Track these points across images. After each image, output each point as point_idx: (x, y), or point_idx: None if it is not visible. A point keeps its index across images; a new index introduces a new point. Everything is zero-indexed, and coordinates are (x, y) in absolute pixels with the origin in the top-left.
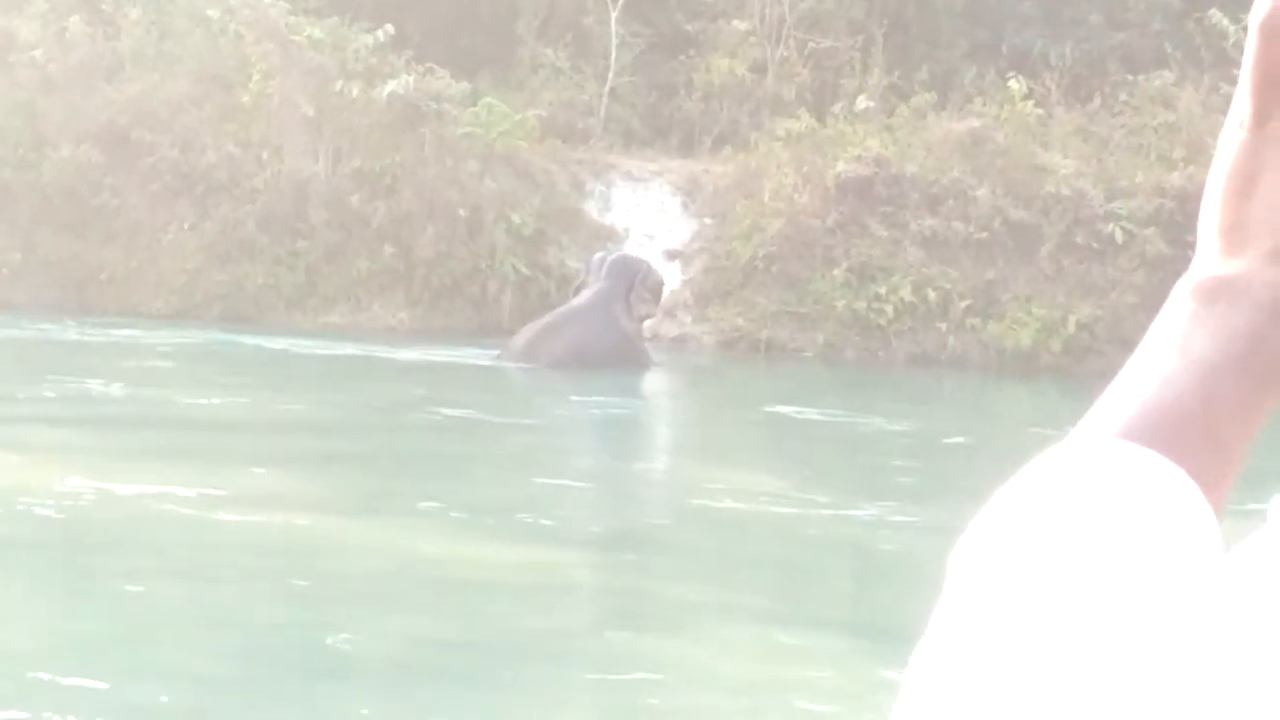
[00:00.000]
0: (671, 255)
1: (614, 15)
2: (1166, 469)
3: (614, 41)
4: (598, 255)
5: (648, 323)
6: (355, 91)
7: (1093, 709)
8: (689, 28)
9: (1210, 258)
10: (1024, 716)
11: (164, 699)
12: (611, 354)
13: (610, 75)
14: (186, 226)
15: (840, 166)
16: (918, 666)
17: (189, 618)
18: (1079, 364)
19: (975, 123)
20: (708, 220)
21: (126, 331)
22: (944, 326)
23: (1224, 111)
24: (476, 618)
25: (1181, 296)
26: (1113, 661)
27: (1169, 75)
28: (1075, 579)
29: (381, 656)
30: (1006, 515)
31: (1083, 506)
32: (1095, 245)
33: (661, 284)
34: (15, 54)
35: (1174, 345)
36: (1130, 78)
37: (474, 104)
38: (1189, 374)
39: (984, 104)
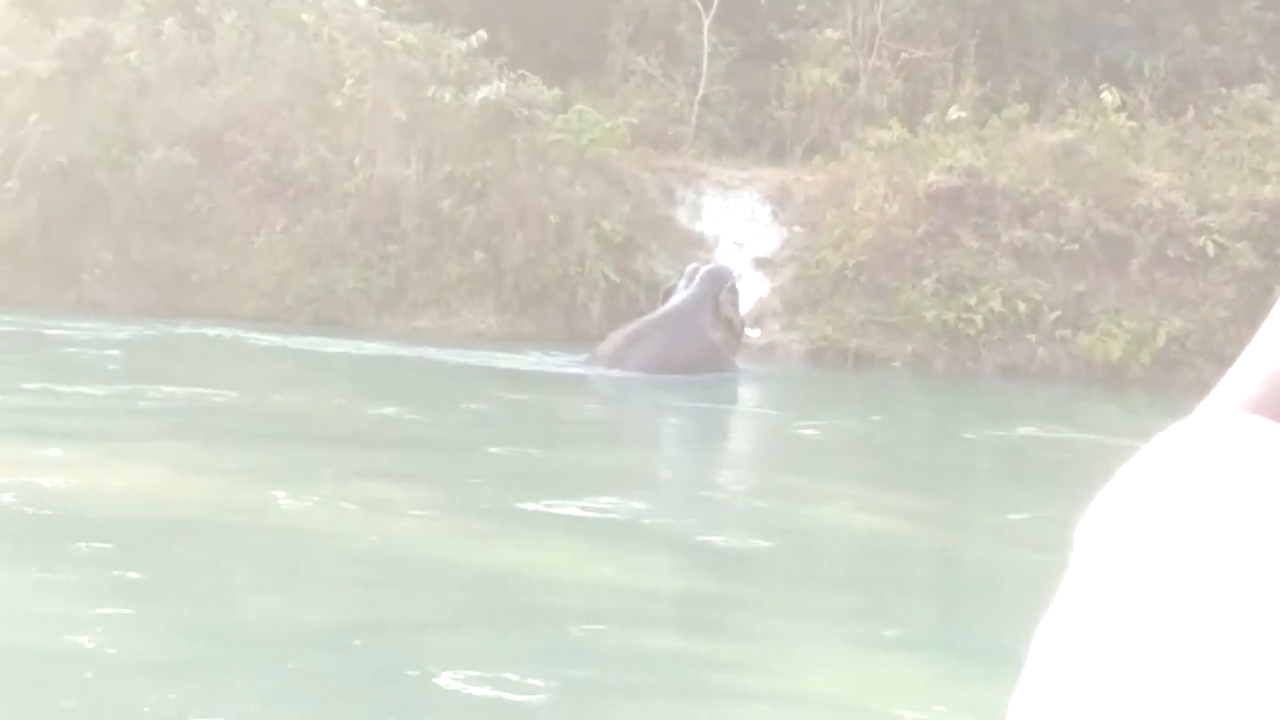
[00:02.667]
0: (760, 264)
1: (706, 23)
2: None
3: (706, 49)
4: (691, 265)
5: (748, 330)
6: (447, 97)
7: (1220, 685)
8: (781, 37)
9: None
10: (1151, 694)
11: (240, 704)
12: (697, 361)
13: (702, 83)
14: (278, 230)
15: (931, 177)
16: (1043, 642)
17: (267, 622)
18: (1169, 377)
19: (1067, 134)
20: (797, 229)
21: (217, 333)
22: (1034, 338)
23: None
24: (556, 626)
25: None
26: (1242, 638)
27: (1263, 89)
28: (1200, 554)
29: (463, 664)
30: (1132, 490)
31: (1208, 481)
32: (1187, 258)
33: (738, 295)
34: (110, 56)
35: None
36: (1224, 91)
37: (565, 110)
38: None
39: (1076, 116)
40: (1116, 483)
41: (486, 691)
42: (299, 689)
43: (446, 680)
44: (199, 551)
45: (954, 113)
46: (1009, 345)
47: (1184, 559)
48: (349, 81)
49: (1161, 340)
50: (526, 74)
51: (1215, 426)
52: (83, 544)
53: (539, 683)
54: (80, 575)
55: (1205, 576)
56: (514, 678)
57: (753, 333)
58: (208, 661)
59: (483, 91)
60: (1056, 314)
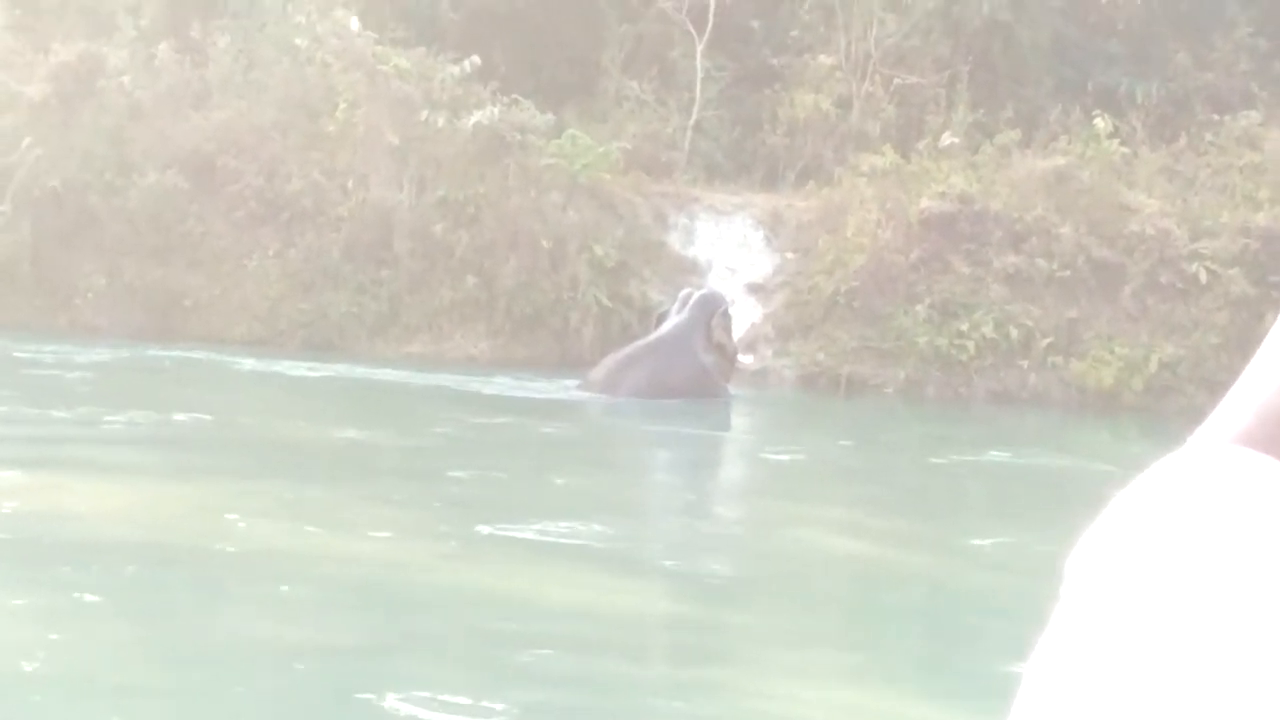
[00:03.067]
0: (753, 289)
1: (699, 49)
2: None
3: (699, 75)
4: (684, 290)
5: (740, 356)
6: (440, 121)
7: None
8: (774, 62)
9: None
10: None
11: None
12: (689, 387)
13: (695, 109)
14: (271, 254)
15: (924, 203)
16: (1033, 674)
17: (257, 644)
18: (1161, 403)
19: (1060, 161)
20: (790, 255)
21: (209, 357)
22: (1026, 364)
23: None
24: (546, 651)
25: None
26: (1232, 670)
27: (1255, 115)
28: (1191, 585)
29: (447, 685)
30: (1123, 522)
31: (1199, 514)
32: (1179, 285)
33: (731, 320)
34: (104, 80)
35: None
36: (1216, 118)
37: (558, 135)
38: None
39: (1069, 142)
40: (1108, 514)
41: (461, 708)
42: (253, 711)
43: (423, 695)
44: (165, 574)
45: (947, 139)
46: (1001, 371)
47: (1174, 592)
48: (342, 106)
49: (1154, 367)
50: (519, 99)
51: (1206, 460)
52: (47, 567)
53: (517, 709)
54: (41, 598)
55: (1195, 610)
56: (490, 704)
57: (746, 359)
58: (159, 684)
59: (476, 116)
60: (1049, 340)
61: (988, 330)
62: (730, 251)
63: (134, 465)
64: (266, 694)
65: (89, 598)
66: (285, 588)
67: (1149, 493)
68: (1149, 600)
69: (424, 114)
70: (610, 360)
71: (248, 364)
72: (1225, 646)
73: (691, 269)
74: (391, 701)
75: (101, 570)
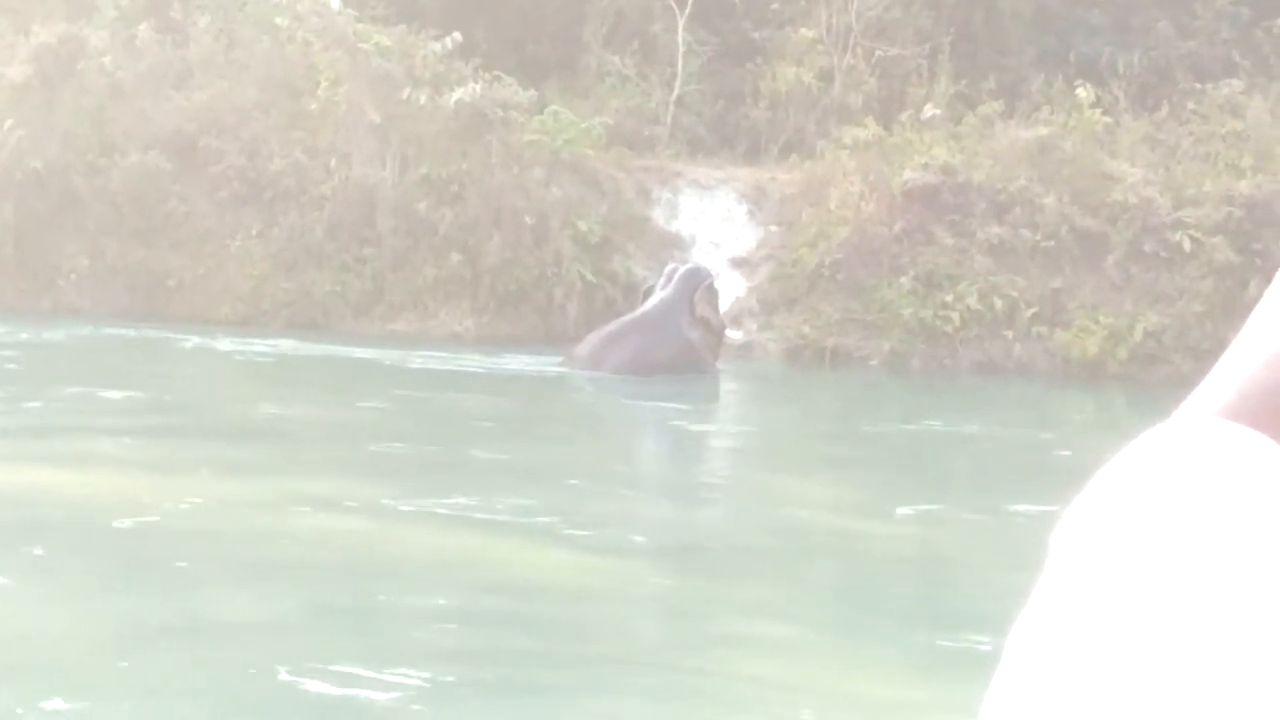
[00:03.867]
0: (737, 263)
1: (681, 23)
2: (1269, 448)
3: (681, 49)
4: (670, 266)
5: (728, 331)
6: (422, 99)
7: (1194, 691)
8: (756, 36)
9: None
10: (1123, 701)
11: (216, 701)
12: (674, 362)
13: (677, 83)
14: (254, 233)
15: (907, 174)
16: (1015, 646)
17: (244, 622)
18: (1146, 372)
19: (1042, 131)
20: (774, 228)
21: (193, 338)
22: (1010, 335)
23: None
24: (535, 627)
25: None
26: (1217, 645)
27: (1237, 84)
28: (1174, 561)
29: (436, 666)
30: (1108, 495)
31: (1183, 488)
32: (1163, 254)
33: (717, 295)
34: (85, 61)
35: None
36: (1198, 86)
37: (540, 111)
38: None
39: (1051, 112)
40: (1091, 489)
41: (450, 689)
42: (154, 687)
43: (411, 677)
44: (142, 551)
45: (929, 110)
46: (986, 342)
47: (1158, 566)
48: (323, 84)
49: (1138, 336)
50: (501, 75)
51: (1190, 433)
52: (22, 547)
53: (511, 679)
54: (13, 578)
55: (1179, 584)
56: (486, 676)
57: (734, 335)
58: (115, 663)
59: (458, 93)
60: (1033, 310)
61: (972, 301)
62: (714, 226)
63: (116, 446)
64: (235, 671)
65: (64, 577)
66: (261, 568)
67: (1132, 467)
68: (1132, 576)
69: (406, 92)
70: (595, 336)
71: (231, 344)
72: (1209, 624)
73: (675, 244)
74: (367, 675)
75: (79, 549)
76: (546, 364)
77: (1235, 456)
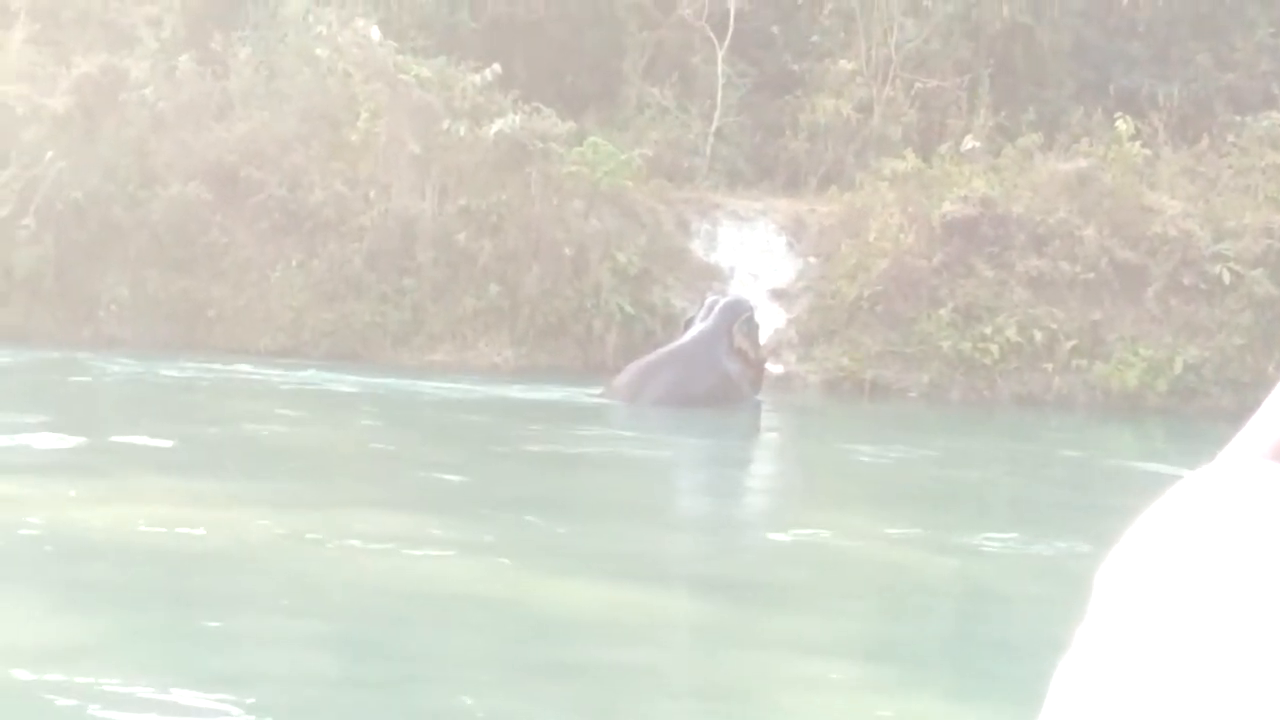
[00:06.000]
0: (776, 295)
1: (720, 55)
2: None
3: (720, 81)
4: (711, 298)
5: (769, 365)
6: (462, 130)
7: None
8: (795, 68)
9: None
10: None
11: None
12: (713, 393)
13: (716, 115)
14: (294, 264)
15: (946, 206)
16: (1060, 687)
17: (282, 653)
18: (1185, 405)
19: (1082, 163)
20: (813, 260)
21: (234, 368)
22: (1050, 367)
23: None
24: (572, 656)
25: None
26: (1260, 685)
27: (1277, 116)
28: (1218, 604)
29: (473, 692)
30: (1154, 535)
31: (1228, 530)
32: (1202, 286)
33: (757, 327)
34: (126, 92)
35: None
36: (1238, 118)
37: (580, 143)
38: None
39: (1091, 144)
40: (1137, 529)
41: (488, 715)
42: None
43: (447, 704)
44: (186, 585)
45: (968, 142)
46: (1025, 374)
47: (1201, 611)
48: (364, 115)
49: (1178, 368)
50: (541, 107)
51: (1236, 475)
52: (70, 579)
53: (549, 707)
54: (60, 610)
55: (1222, 628)
56: (522, 703)
57: (775, 369)
58: (172, 697)
59: (497, 125)
60: (1073, 343)
61: (1011, 333)
62: (753, 257)
63: (158, 479)
64: (270, 702)
65: (108, 610)
66: (308, 598)
67: (1178, 508)
68: (1176, 618)
69: (445, 123)
70: (633, 367)
71: (272, 374)
72: (1250, 667)
73: (714, 275)
74: (400, 709)
75: (122, 583)
76: (585, 395)
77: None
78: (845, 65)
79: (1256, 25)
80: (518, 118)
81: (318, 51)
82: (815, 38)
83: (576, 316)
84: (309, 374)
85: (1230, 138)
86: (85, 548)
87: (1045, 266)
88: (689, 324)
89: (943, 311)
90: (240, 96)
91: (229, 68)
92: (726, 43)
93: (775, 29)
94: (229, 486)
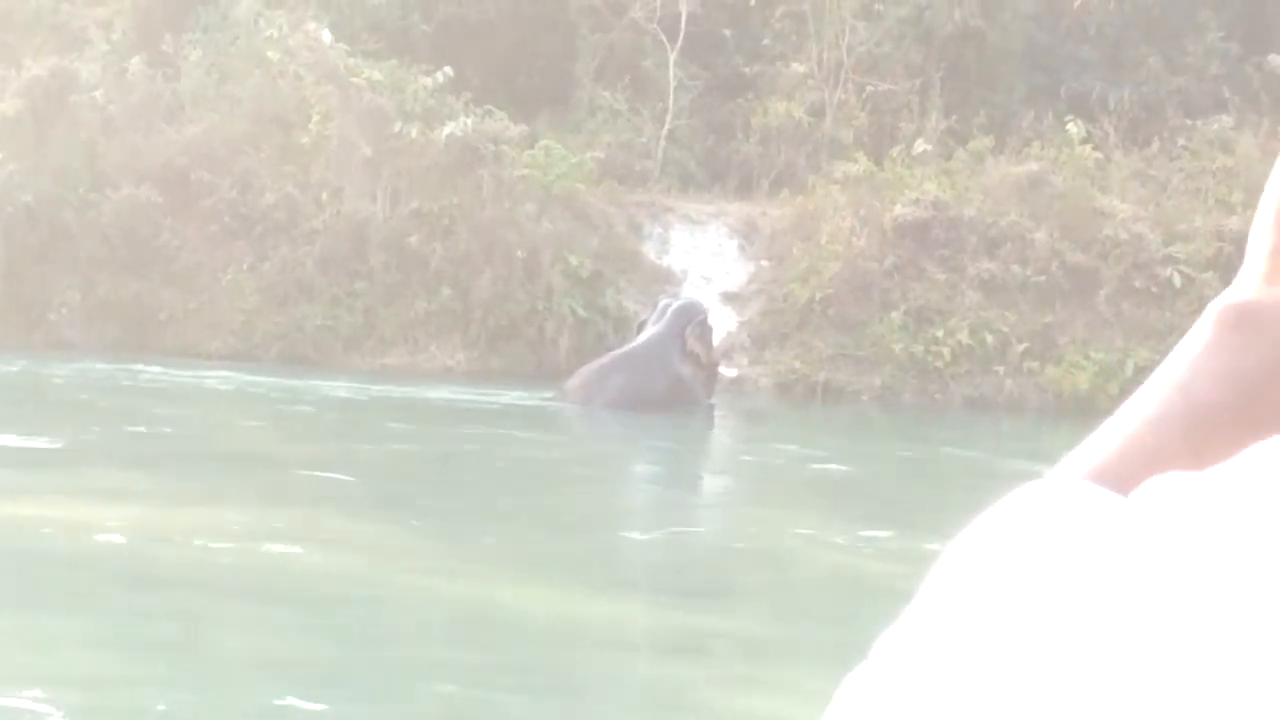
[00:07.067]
0: (728, 298)
1: (672, 58)
2: (1121, 511)
3: (672, 84)
4: (663, 301)
5: (722, 369)
6: (414, 133)
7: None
8: (747, 71)
9: (1250, 281)
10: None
11: None
12: (666, 397)
13: (668, 118)
14: (245, 267)
15: (898, 209)
16: (876, 656)
17: (239, 659)
18: None
19: (1033, 166)
20: (765, 263)
21: (185, 372)
22: (1001, 370)
23: None
24: (527, 662)
25: (1206, 320)
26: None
27: (1227, 120)
28: (1001, 623)
29: (430, 700)
30: (963, 549)
31: (1021, 549)
32: (1153, 289)
33: (710, 331)
34: (76, 95)
35: (1178, 379)
36: (1189, 122)
37: (532, 146)
38: (1181, 419)
39: (1042, 148)
40: (957, 541)
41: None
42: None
43: (405, 711)
44: (137, 592)
45: (920, 145)
46: (977, 377)
47: (986, 626)
48: (315, 118)
49: (1129, 371)
50: (493, 109)
51: (1051, 496)
52: (17, 585)
53: (508, 715)
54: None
55: (998, 648)
56: (481, 711)
57: (728, 372)
58: (54, 688)
59: (449, 127)
60: (1024, 346)
61: (963, 336)
62: (705, 260)
63: (105, 480)
64: (222, 705)
65: (55, 618)
66: (258, 605)
67: (989, 526)
68: (952, 627)
69: (397, 126)
70: (586, 371)
71: (223, 378)
72: (1024, 682)
73: (666, 278)
74: (371, 711)
75: (71, 588)
76: (538, 398)
77: (1082, 524)
78: (797, 68)
79: (1207, 29)
80: (469, 120)
81: (269, 54)
82: (767, 41)
83: (529, 319)
84: (259, 378)
85: (1181, 141)
86: (33, 549)
87: (997, 269)
88: (641, 327)
89: (894, 314)
90: (191, 99)
91: (180, 70)
92: (678, 46)
93: (727, 32)
94: (174, 489)
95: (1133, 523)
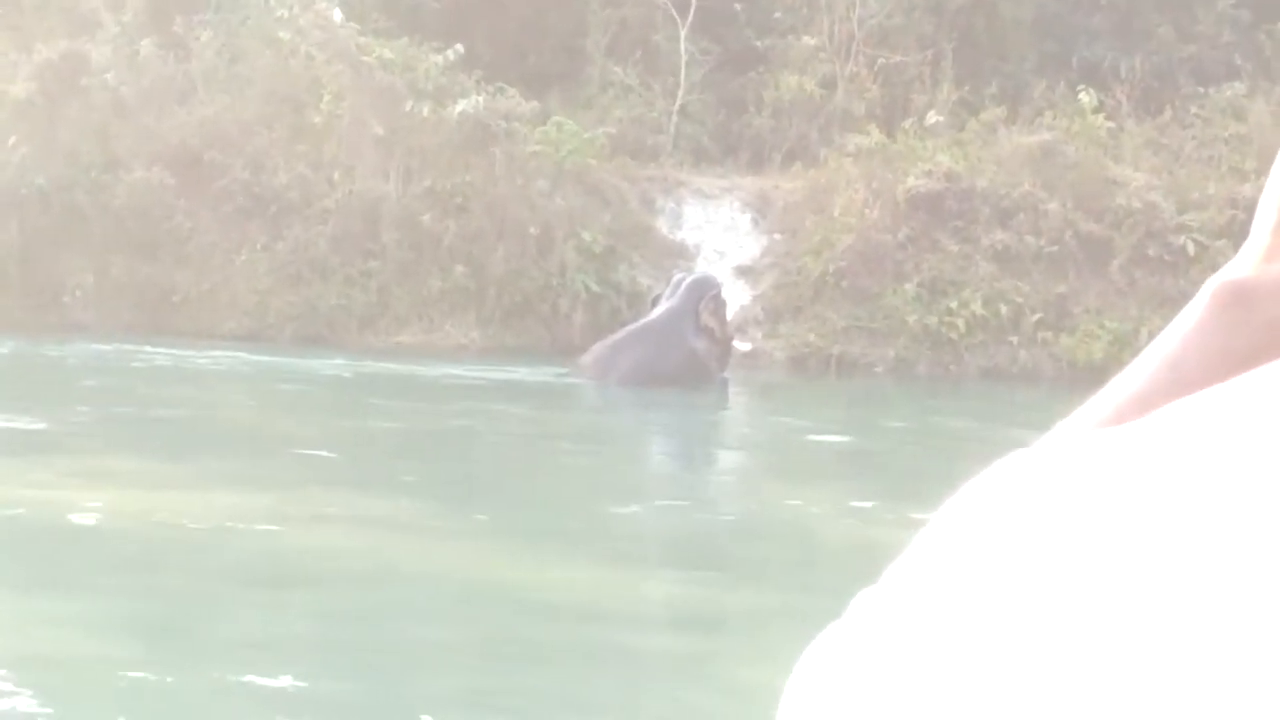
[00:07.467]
0: (742, 272)
1: (683, 32)
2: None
3: (683, 58)
4: (677, 275)
5: (736, 343)
6: (426, 111)
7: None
8: (758, 44)
9: (1251, 256)
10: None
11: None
12: (680, 371)
13: (680, 92)
14: (259, 247)
15: (910, 181)
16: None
17: (258, 635)
18: None
19: (1046, 136)
20: (778, 236)
21: (199, 353)
22: (1015, 340)
23: None
24: (538, 637)
25: (1204, 293)
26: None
27: (1239, 87)
28: (1005, 581)
29: (446, 674)
30: (956, 509)
31: (1034, 500)
32: (1167, 258)
33: (724, 305)
34: (88, 77)
35: (1169, 355)
36: (1201, 90)
37: (544, 122)
38: (1169, 396)
39: (1054, 117)
40: (950, 505)
41: (461, 697)
42: (277, 687)
43: (419, 687)
44: (157, 572)
45: (932, 117)
46: (991, 348)
47: (964, 584)
48: (326, 98)
49: (1144, 340)
50: (504, 86)
51: (1056, 446)
52: (41, 566)
53: (521, 687)
54: (33, 597)
55: (974, 605)
56: (495, 684)
57: (743, 346)
58: (150, 685)
59: (461, 105)
60: (1038, 316)
61: (977, 307)
62: (718, 234)
63: (122, 462)
64: (238, 687)
65: (79, 598)
66: (279, 582)
67: (970, 495)
68: (960, 590)
69: (409, 104)
70: (600, 346)
71: (236, 358)
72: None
73: (679, 253)
74: (375, 692)
75: (95, 569)
76: (552, 374)
77: (1086, 470)
78: (808, 41)
79: None
80: (481, 98)
81: (280, 34)
82: (778, 14)
83: (542, 296)
84: (275, 358)
85: (1193, 109)
86: (49, 529)
87: (1010, 240)
88: (655, 302)
89: (908, 286)
90: (202, 80)
91: (191, 51)
92: (689, 20)
93: (738, 6)
94: (191, 470)
95: (1107, 470)
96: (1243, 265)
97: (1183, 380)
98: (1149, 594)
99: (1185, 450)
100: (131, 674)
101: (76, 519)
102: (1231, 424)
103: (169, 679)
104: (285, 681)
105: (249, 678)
